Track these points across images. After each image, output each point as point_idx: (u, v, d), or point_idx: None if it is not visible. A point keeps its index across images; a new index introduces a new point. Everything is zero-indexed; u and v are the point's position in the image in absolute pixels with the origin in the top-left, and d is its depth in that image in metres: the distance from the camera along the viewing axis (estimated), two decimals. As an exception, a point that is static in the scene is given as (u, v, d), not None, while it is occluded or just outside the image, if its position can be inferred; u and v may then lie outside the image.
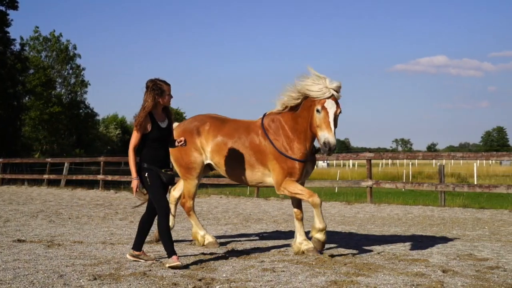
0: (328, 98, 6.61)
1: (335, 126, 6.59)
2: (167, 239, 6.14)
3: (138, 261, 6.41)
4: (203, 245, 7.79)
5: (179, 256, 6.22)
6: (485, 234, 9.42)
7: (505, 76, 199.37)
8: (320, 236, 7.00)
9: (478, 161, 46.41)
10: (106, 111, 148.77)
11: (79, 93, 49.49)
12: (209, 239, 7.84)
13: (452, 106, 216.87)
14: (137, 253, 6.44)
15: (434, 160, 51.19)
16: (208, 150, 7.58)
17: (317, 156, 7.57)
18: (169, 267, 6.01)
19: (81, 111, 49.35)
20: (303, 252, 7.10)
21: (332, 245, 8.03)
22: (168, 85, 6.26)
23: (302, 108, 6.90)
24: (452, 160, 50.58)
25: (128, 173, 25.64)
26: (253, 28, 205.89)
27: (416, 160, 52.71)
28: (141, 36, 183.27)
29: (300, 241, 7.19)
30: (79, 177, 25.99)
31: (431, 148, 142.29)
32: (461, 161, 55.08)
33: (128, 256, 6.51)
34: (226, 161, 7.45)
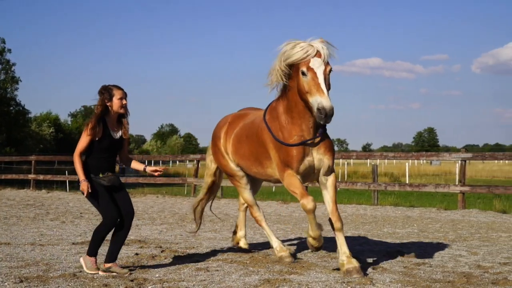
0: (313, 56, 5.56)
1: (328, 88, 5.52)
2: (96, 243, 5.83)
3: (110, 274, 5.78)
4: (278, 258, 6.69)
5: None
6: (414, 232, 9.76)
7: (435, 79, 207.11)
8: (313, 242, 6.15)
9: (409, 160, 48.02)
10: (38, 109, 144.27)
11: (9, 89, 47.64)
12: (281, 252, 6.66)
13: (386, 107, 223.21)
14: (108, 265, 5.84)
15: (368, 160, 52.57)
16: (229, 153, 6.96)
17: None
18: (82, 260, 5.82)
19: (11, 108, 47.51)
20: (346, 272, 5.74)
21: (267, 243, 8.10)
22: (120, 89, 5.88)
23: (291, 81, 5.81)
24: (386, 160, 52.08)
25: (62, 172, 24.80)
26: (181, 25, 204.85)
27: (352, 160, 53.97)
28: (75, 31, 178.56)
29: (342, 259, 5.87)
30: (9, 176, 25.01)
31: (366, 148, 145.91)
32: (394, 160, 56.79)
33: (99, 272, 5.81)
34: (244, 161, 6.73)
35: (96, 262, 5.83)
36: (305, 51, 5.55)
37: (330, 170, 6.01)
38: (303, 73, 5.56)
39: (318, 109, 5.40)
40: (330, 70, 5.62)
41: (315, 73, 5.50)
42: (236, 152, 6.79)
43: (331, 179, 6.05)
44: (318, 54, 5.57)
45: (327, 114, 5.37)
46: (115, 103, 5.84)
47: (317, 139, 5.89)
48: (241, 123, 6.84)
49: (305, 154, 5.87)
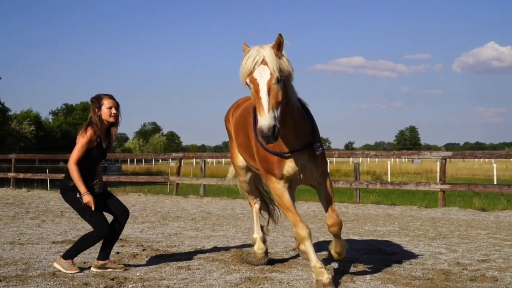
0: (260, 64, 4.68)
1: (276, 100, 4.59)
2: (78, 248, 5.81)
3: (104, 270, 5.80)
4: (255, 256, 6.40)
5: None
6: (395, 230, 9.84)
7: (417, 78, 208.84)
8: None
9: (391, 159, 48.36)
10: (19, 107, 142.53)
11: (-11, 87, 47.07)
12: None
13: (369, 106, 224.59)
14: (102, 262, 5.89)
15: (351, 158, 52.83)
16: (234, 139, 6.39)
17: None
18: (56, 263, 5.76)
19: (-9, 105, 46.96)
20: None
21: (249, 242, 8.10)
22: (110, 99, 5.86)
23: None
24: (368, 158, 52.39)
25: (43, 171, 24.64)
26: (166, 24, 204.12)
27: (334, 158, 54.20)
28: (55, 28, 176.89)
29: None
30: (-12, 175, 24.70)
31: (349, 147, 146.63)
32: (376, 159, 57.16)
33: (92, 268, 5.88)
34: (242, 151, 6.13)
35: (73, 263, 5.79)
36: (252, 60, 4.68)
37: (321, 175, 5.33)
38: (248, 85, 4.74)
39: (258, 129, 4.55)
40: (280, 77, 4.66)
41: (257, 85, 4.62)
42: (236, 139, 6.23)
43: (323, 185, 5.37)
44: (263, 62, 4.66)
45: (264, 135, 4.46)
46: (104, 112, 5.83)
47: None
48: (242, 106, 6.18)
49: (286, 160, 5.14)
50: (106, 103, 5.84)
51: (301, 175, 5.22)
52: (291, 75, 4.85)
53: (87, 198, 5.68)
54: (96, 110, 5.82)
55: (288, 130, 4.96)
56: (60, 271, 5.69)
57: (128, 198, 17.08)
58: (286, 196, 5.29)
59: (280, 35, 4.68)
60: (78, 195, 5.70)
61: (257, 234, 6.63)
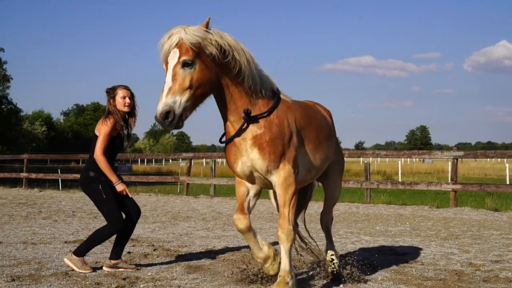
0: (174, 47, 4.36)
1: (181, 85, 4.25)
2: (91, 243, 5.84)
3: (116, 270, 5.83)
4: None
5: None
6: (406, 230, 9.79)
7: (427, 77, 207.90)
8: (266, 267, 5.10)
9: (402, 159, 48.16)
10: (31, 107, 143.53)
11: (0, 88, 47.44)
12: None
13: (379, 105, 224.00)
14: (114, 262, 5.92)
15: (361, 158, 52.68)
16: None
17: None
18: (67, 259, 5.76)
19: (3, 107, 47.30)
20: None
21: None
22: (124, 89, 5.91)
23: None
24: (379, 158, 52.21)
25: (54, 171, 24.82)
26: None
27: (344, 158, 54.07)
28: (66, 30, 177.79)
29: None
30: (1, 175, 24.87)
31: (359, 147, 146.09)
32: (387, 159, 56.95)
33: (104, 268, 5.91)
34: None
35: (85, 262, 5.81)
36: (169, 44, 4.36)
37: (272, 167, 4.62)
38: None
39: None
40: (188, 59, 4.28)
41: (167, 69, 4.35)
42: None
43: (275, 177, 4.67)
44: (177, 45, 4.34)
45: (157, 120, 4.23)
46: (118, 102, 5.88)
47: (243, 133, 4.62)
48: None
49: (238, 154, 4.70)
50: (120, 93, 5.90)
51: (258, 171, 4.70)
52: (230, 54, 4.43)
53: (121, 187, 5.80)
54: (111, 100, 5.90)
55: (234, 117, 4.61)
56: (72, 269, 5.72)
57: (138, 198, 17.13)
58: (241, 198, 4.99)
59: (209, 17, 4.38)
60: (100, 187, 5.75)
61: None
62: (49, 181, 23.29)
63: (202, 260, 6.57)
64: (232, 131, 4.66)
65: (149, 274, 5.72)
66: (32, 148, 51.66)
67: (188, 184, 18.88)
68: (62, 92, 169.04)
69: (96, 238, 5.87)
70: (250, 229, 4.97)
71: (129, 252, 7.00)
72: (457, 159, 14.61)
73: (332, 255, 5.64)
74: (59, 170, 24.69)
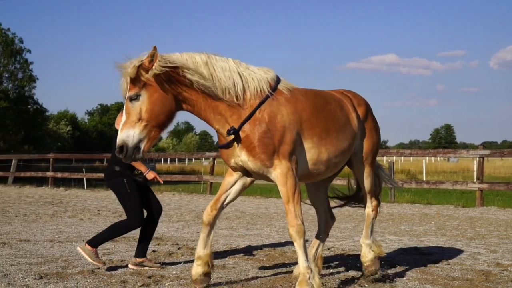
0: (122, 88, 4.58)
1: (133, 117, 4.40)
2: (107, 236, 5.89)
3: (141, 268, 5.90)
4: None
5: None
6: (431, 229, 9.69)
7: (452, 75, 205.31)
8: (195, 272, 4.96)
9: (426, 158, 47.64)
10: (56, 107, 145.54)
11: (27, 88, 48.16)
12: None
13: (403, 104, 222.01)
14: (140, 260, 5.97)
15: (385, 157, 52.24)
16: None
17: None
18: (80, 248, 5.76)
19: (29, 106, 48.02)
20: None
21: (283, 241, 8.10)
22: None
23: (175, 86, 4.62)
24: (402, 157, 51.74)
25: (79, 170, 25.00)
26: (194, 23, 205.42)
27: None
28: (91, 30, 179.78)
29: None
30: (28, 174, 25.28)
31: (383, 145, 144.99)
32: (411, 158, 56.37)
33: (129, 265, 5.98)
34: None
35: (97, 254, 5.81)
36: (120, 85, 4.59)
37: (266, 166, 4.64)
38: None
39: None
40: (135, 94, 4.40)
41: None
42: None
43: (273, 175, 4.68)
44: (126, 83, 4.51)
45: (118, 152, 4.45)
46: None
47: (231, 137, 4.65)
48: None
49: (231, 155, 4.77)
50: None
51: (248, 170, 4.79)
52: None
53: (151, 175, 5.90)
54: None
55: (218, 125, 4.68)
56: (98, 268, 5.78)
57: (162, 197, 17.25)
58: (220, 192, 5.07)
59: (154, 47, 4.39)
60: (125, 181, 5.80)
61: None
62: (74, 180, 23.60)
63: (226, 258, 6.59)
64: (221, 138, 4.72)
65: (174, 272, 5.76)
66: (58, 147, 52.31)
67: (211, 183, 18.95)
68: (87, 92, 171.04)
69: (113, 231, 5.92)
70: (210, 225, 5.04)
71: (153, 251, 7.05)
72: (483, 158, 14.42)
73: (368, 248, 5.51)
74: (84, 169, 25.00)
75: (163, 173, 35.93)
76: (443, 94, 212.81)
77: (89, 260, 5.75)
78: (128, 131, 4.38)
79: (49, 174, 23.01)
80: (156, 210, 6.09)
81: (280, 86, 4.81)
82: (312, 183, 5.62)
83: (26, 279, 5.29)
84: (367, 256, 5.47)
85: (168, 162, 60.89)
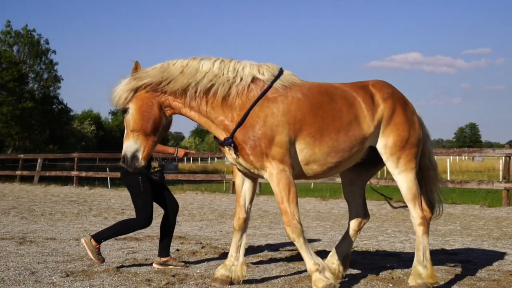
0: None
1: (130, 128, 4.70)
2: (113, 232, 5.91)
3: (166, 267, 5.91)
4: None
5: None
6: (457, 229, 9.58)
7: (477, 73, 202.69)
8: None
9: (451, 157, 47.06)
10: (80, 107, 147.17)
11: (52, 88, 48.84)
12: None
13: (426, 103, 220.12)
14: (164, 259, 6.00)
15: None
16: None
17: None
18: (84, 240, 5.77)
19: (54, 106, 48.68)
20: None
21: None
22: None
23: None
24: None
25: (103, 169, 25.21)
26: (222, 26, 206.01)
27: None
28: (115, 30, 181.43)
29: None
30: (53, 173, 25.63)
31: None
32: (435, 157, 55.78)
33: (154, 264, 6.02)
34: None
35: (100, 251, 5.82)
36: None
37: (256, 167, 4.76)
38: None
39: None
40: (124, 110, 4.75)
41: None
42: None
43: (266, 176, 4.77)
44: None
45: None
46: None
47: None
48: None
49: (226, 152, 4.92)
50: None
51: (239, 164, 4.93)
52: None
53: (181, 152, 6.09)
54: None
55: (213, 128, 4.86)
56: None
57: (185, 196, 17.36)
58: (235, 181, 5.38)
59: (135, 62, 4.79)
60: (140, 178, 5.79)
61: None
62: (98, 179, 23.86)
63: (250, 258, 6.60)
64: (219, 136, 4.83)
65: (198, 271, 5.79)
66: (82, 147, 52.94)
67: (234, 182, 18.95)
68: (110, 92, 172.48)
69: (120, 228, 5.92)
70: (241, 229, 5.31)
71: (177, 250, 7.09)
72: (509, 157, 14.19)
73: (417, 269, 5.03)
74: (107, 168, 25.25)
75: (185, 172, 36.14)
76: (468, 93, 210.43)
77: (90, 255, 5.73)
78: (126, 143, 4.69)
79: (74, 173, 23.28)
80: (172, 208, 6.09)
81: (276, 84, 4.77)
82: (346, 178, 5.54)
83: (53, 277, 5.36)
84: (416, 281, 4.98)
85: (191, 162, 61.17)
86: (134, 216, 5.99)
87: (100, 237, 5.84)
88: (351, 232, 5.53)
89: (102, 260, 5.84)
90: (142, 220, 5.84)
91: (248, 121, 4.65)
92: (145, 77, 4.68)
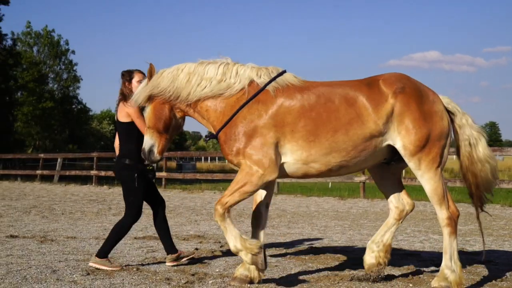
0: None
1: (148, 125, 5.25)
2: (113, 241, 5.89)
3: (181, 264, 6.01)
4: None
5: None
6: (477, 229, 9.47)
7: (496, 72, 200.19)
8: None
9: (470, 156, 46.48)
10: (99, 107, 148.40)
11: (71, 88, 49.37)
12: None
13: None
14: (175, 255, 6.05)
15: (427, 155, 51.14)
16: None
17: None
18: (92, 263, 5.79)
19: (73, 106, 49.20)
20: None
21: (325, 240, 8.06)
22: (141, 73, 5.98)
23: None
24: (445, 155, 50.65)
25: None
26: (247, 27, 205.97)
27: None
28: (133, 31, 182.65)
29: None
30: (73, 172, 25.90)
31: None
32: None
33: (167, 263, 6.06)
34: None
35: (110, 260, 5.85)
36: None
37: (234, 163, 5.01)
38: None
39: None
40: (144, 108, 5.37)
41: None
42: None
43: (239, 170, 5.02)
44: None
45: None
46: (134, 86, 5.91)
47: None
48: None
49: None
50: (136, 77, 5.97)
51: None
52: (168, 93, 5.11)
53: None
54: (127, 83, 5.98)
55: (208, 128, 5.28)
56: (104, 269, 5.72)
57: (203, 196, 17.42)
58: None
59: (150, 64, 5.24)
60: (136, 175, 5.82)
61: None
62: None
63: (269, 257, 6.59)
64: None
65: (217, 270, 5.81)
66: (101, 146, 53.40)
67: (251, 181, 18.97)
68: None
69: (116, 235, 5.90)
70: (257, 227, 5.63)
71: (196, 249, 7.12)
72: (530, 156, 14.01)
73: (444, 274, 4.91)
74: (126, 168, 25.38)
75: (203, 171, 36.34)
76: (487, 91, 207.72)
77: (106, 268, 5.72)
78: (144, 138, 5.25)
79: (93, 172, 23.47)
80: (161, 205, 6.18)
81: (269, 87, 4.95)
82: (374, 173, 5.52)
83: (74, 275, 5.42)
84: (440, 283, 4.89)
85: (209, 161, 61.36)
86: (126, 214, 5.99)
87: (102, 252, 5.85)
88: (391, 220, 5.41)
89: (120, 266, 5.87)
90: (131, 217, 5.89)
91: (233, 121, 4.94)
92: (157, 87, 5.13)
